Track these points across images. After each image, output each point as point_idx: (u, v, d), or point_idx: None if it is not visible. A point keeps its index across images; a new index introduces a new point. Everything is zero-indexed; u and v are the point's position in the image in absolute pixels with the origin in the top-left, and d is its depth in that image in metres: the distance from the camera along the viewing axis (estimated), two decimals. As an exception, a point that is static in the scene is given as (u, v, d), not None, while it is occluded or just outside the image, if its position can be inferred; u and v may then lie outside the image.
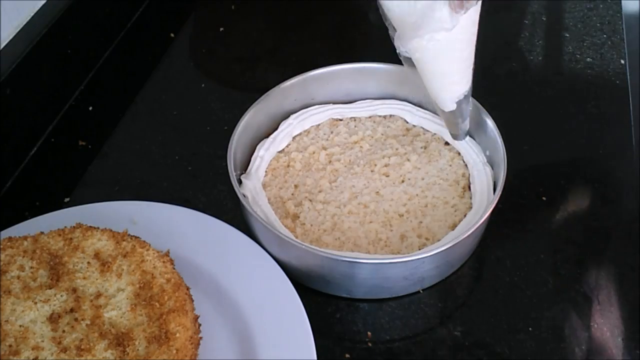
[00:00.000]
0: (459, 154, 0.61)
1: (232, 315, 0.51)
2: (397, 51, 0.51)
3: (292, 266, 0.53)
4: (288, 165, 0.61)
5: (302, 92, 0.64)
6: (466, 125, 0.58)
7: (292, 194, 0.59)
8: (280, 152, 0.62)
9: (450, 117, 0.57)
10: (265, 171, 0.61)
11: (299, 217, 0.57)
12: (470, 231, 0.52)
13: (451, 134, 0.59)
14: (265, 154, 0.61)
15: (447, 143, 0.63)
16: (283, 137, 0.63)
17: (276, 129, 0.63)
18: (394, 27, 0.50)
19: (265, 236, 0.54)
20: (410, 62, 0.52)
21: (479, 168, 0.59)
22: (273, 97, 0.62)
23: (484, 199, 0.57)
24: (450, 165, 0.61)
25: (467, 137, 0.62)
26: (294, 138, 0.63)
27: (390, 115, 0.65)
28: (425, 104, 0.65)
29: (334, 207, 0.57)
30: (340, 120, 0.65)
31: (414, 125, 0.64)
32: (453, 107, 0.55)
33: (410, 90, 0.65)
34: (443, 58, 0.51)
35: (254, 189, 0.58)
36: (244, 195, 0.56)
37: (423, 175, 0.60)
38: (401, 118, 0.65)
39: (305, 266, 0.53)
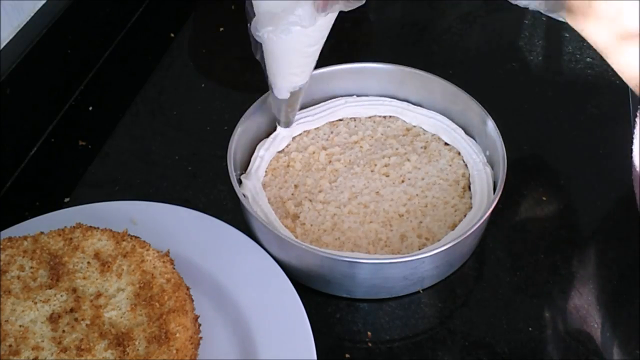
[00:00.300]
0: (459, 154, 0.61)
1: (232, 315, 0.51)
2: (250, 32, 0.53)
3: (292, 266, 0.53)
4: (288, 165, 0.61)
5: (302, 92, 0.64)
6: (294, 115, 0.60)
7: (292, 194, 0.59)
8: (280, 152, 0.62)
9: (281, 104, 0.59)
10: (265, 171, 0.61)
11: (299, 217, 0.57)
12: (470, 231, 0.52)
13: (277, 121, 0.61)
14: (265, 154, 0.61)
15: (447, 143, 0.63)
16: (283, 137, 0.63)
17: (276, 128, 0.63)
18: (253, 12, 0.52)
19: (265, 236, 0.54)
20: (260, 45, 0.55)
21: (479, 168, 0.59)
22: (273, 97, 0.62)
23: (484, 199, 0.57)
24: (450, 165, 0.61)
25: (467, 137, 0.62)
26: (294, 138, 0.63)
27: (390, 116, 0.65)
28: (425, 104, 0.65)
29: (334, 207, 0.57)
30: (341, 120, 0.65)
31: (414, 125, 0.64)
32: (286, 96, 0.58)
33: (410, 90, 0.65)
34: (290, 50, 0.54)
35: (254, 189, 0.58)
36: (244, 195, 0.56)
37: (423, 175, 0.60)
38: (401, 118, 0.65)
39: (305, 266, 0.53)
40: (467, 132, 0.63)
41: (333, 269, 0.52)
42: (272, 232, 0.52)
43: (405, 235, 0.55)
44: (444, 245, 0.51)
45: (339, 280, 0.53)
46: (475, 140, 0.62)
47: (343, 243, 0.55)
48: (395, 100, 0.66)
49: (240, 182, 0.58)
